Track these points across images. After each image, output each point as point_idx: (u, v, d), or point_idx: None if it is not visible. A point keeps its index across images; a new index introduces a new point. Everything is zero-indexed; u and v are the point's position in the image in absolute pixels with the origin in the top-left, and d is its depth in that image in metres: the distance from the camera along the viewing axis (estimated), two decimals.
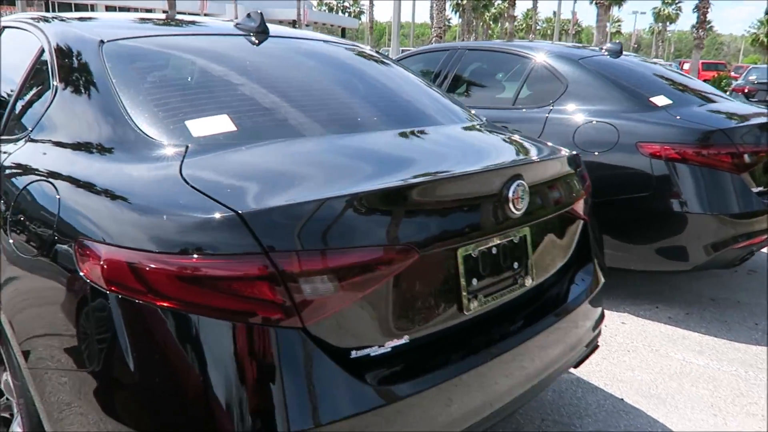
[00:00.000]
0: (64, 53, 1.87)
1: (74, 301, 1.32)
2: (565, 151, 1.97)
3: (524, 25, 66.46)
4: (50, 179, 1.52)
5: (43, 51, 1.97)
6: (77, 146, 1.60)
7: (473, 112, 2.35)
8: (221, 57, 2.01)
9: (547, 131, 3.57)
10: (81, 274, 1.29)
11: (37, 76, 1.96)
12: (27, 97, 1.97)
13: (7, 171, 1.72)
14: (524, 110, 3.80)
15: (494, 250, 1.62)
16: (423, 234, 1.41)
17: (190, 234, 1.22)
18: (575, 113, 3.55)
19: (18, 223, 1.55)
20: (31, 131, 1.78)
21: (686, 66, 28.08)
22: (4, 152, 1.84)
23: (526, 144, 2.01)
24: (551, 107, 3.68)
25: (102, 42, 1.84)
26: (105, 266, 1.26)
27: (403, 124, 1.94)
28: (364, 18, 68.70)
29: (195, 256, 1.21)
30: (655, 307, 3.48)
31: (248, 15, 2.25)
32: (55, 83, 1.79)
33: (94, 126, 1.61)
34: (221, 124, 1.61)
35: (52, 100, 1.77)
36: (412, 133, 1.88)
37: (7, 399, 1.77)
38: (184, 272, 1.21)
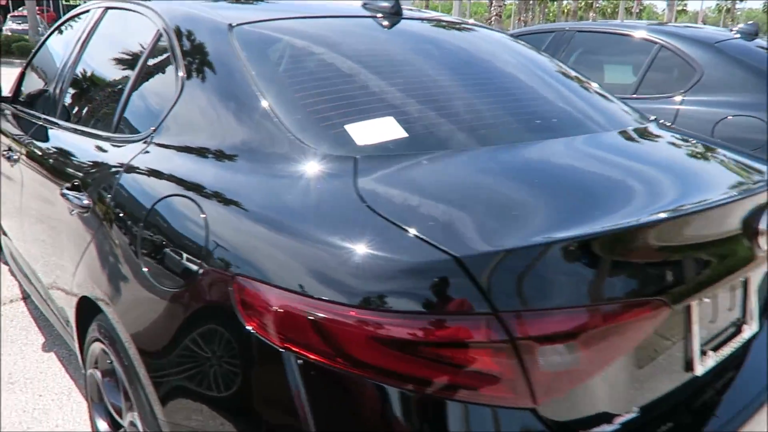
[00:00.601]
0: (188, 39, 1.61)
1: (231, 352, 1.07)
2: None
3: (583, 4, 63.81)
4: (190, 195, 1.26)
5: (160, 36, 1.71)
6: (217, 154, 1.34)
7: (637, 107, 1.99)
8: (363, 44, 1.71)
9: (679, 125, 3.16)
10: (245, 325, 1.03)
11: (154, 66, 1.71)
12: (144, 90, 1.73)
13: (130, 180, 1.48)
14: (648, 100, 3.38)
15: (720, 294, 1.29)
16: (670, 283, 1.09)
17: (388, 283, 0.94)
18: (714, 105, 3.12)
19: (151, 247, 1.30)
20: (154, 132, 1.53)
21: None
22: (120, 155, 1.61)
23: (733, 155, 1.62)
24: (683, 98, 3.26)
25: (231, 26, 1.58)
26: (277, 316, 1.00)
27: (587, 129, 1.57)
28: None
29: (397, 312, 0.93)
30: None
31: None
32: (181, 75, 1.54)
33: (237, 129, 1.34)
34: (388, 128, 1.32)
35: (178, 95, 1.51)
36: (605, 141, 1.52)
37: None
38: (380, 333, 0.93)
